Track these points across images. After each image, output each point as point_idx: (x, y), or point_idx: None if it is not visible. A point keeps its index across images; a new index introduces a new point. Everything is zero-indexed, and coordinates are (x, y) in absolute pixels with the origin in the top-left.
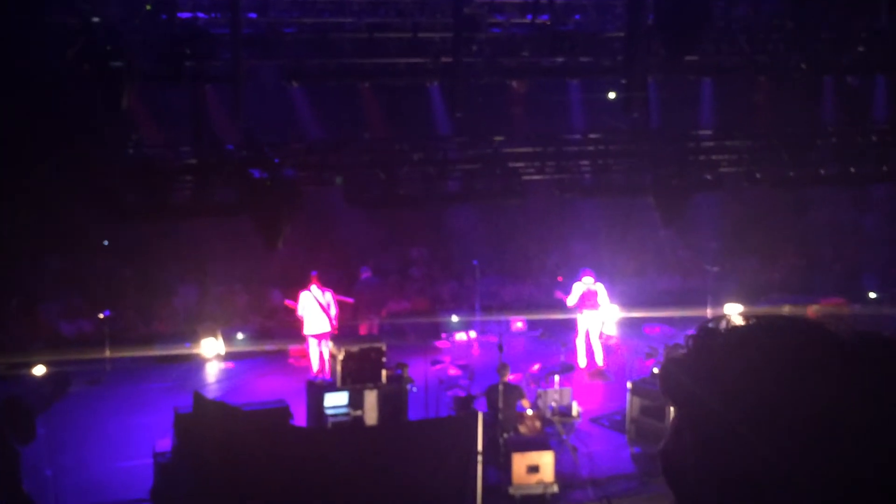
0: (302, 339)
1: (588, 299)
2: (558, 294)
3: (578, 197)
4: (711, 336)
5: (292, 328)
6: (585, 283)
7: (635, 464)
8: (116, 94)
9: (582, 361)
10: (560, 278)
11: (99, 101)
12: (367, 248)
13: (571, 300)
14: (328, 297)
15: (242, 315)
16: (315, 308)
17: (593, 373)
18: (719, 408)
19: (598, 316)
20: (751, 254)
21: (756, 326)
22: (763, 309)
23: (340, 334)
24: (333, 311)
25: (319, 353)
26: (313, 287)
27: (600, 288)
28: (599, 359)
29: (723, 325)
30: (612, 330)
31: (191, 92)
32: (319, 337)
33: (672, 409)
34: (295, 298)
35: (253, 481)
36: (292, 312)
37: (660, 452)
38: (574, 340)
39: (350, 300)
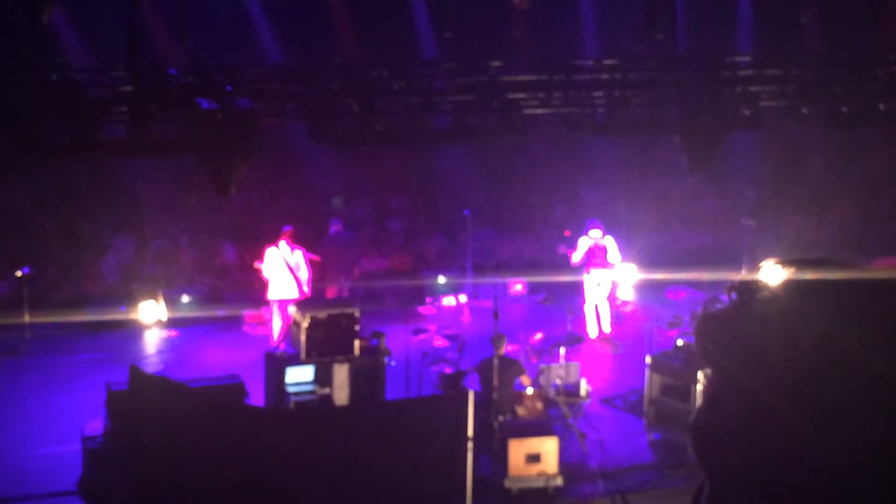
0: (261, 302)
1: (595, 256)
2: (563, 250)
3: (590, 136)
4: (763, 289)
5: (248, 289)
6: (592, 238)
7: (654, 453)
8: (36, 8)
9: (592, 331)
10: (567, 233)
11: (15, 15)
12: (336, 194)
13: (577, 257)
14: (298, 257)
15: (188, 274)
16: (282, 269)
17: (601, 341)
18: (772, 372)
19: (607, 276)
20: (794, 206)
21: (832, 283)
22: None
23: (305, 298)
24: (304, 273)
25: (282, 322)
26: (282, 244)
27: (610, 243)
28: (607, 325)
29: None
30: (629, 294)
31: (126, 6)
32: (285, 303)
33: (702, 376)
34: (258, 256)
35: (200, 471)
36: (249, 272)
37: (691, 425)
38: (582, 306)
39: (316, 258)
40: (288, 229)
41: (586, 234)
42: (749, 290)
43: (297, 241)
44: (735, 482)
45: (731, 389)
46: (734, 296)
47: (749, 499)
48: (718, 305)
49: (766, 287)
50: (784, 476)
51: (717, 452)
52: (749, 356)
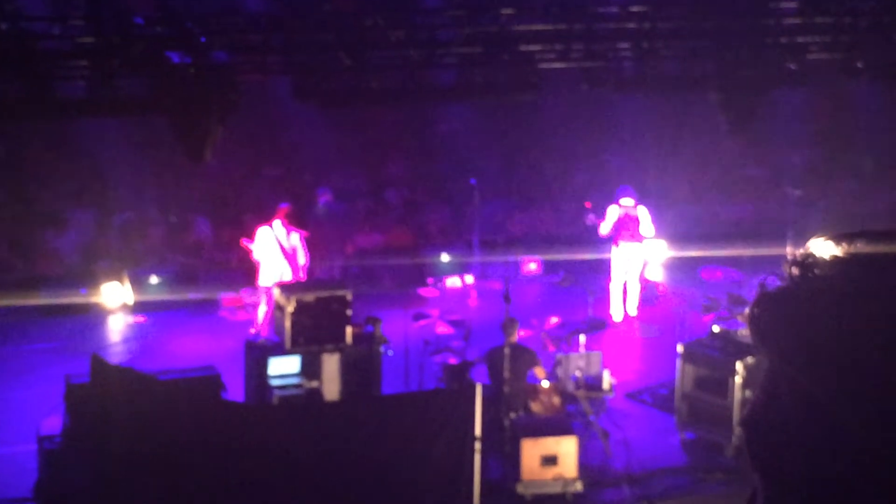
0: (241, 284)
1: (626, 228)
2: (592, 220)
3: (615, 93)
4: (826, 264)
5: (226, 269)
6: (624, 207)
7: (686, 454)
8: None
9: (617, 314)
10: (588, 204)
11: None
12: (326, 161)
13: (605, 228)
14: (295, 240)
15: (157, 251)
16: (275, 252)
17: (627, 326)
18: (847, 360)
19: (639, 252)
20: (847, 173)
21: None
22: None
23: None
24: (302, 258)
25: (269, 310)
26: (276, 223)
27: (643, 213)
28: (634, 308)
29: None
30: (658, 274)
31: None
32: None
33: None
34: (237, 231)
35: (171, 474)
36: (228, 249)
37: (744, 420)
38: (607, 286)
39: (304, 233)
40: (285, 207)
41: (616, 202)
42: (813, 264)
43: (295, 221)
44: (794, 490)
45: (789, 381)
46: (795, 270)
47: None
48: (777, 283)
49: (829, 262)
50: (847, 487)
51: (773, 454)
52: (806, 343)
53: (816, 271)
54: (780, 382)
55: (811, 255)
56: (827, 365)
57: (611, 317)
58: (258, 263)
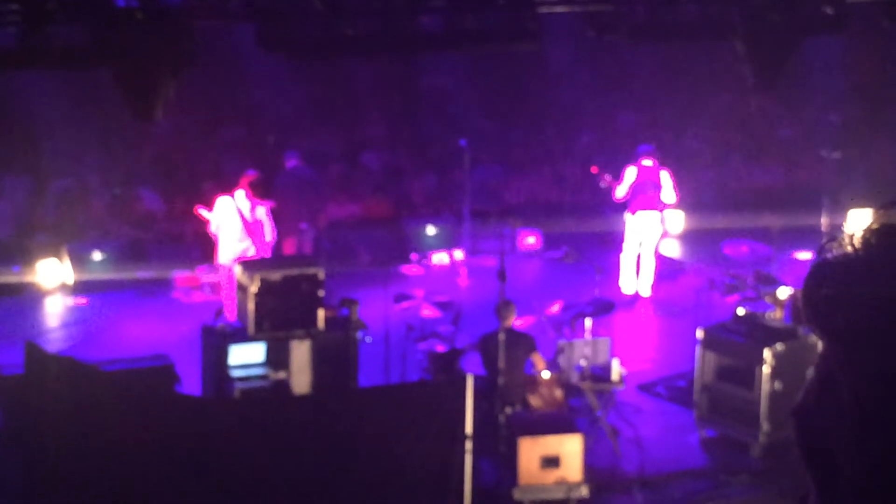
0: (196, 261)
1: (644, 192)
2: (608, 181)
3: (626, 42)
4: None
5: (179, 244)
6: (644, 167)
7: (707, 455)
8: None
9: (627, 286)
10: (595, 169)
11: None
12: (294, 121)
13: (621, 191)
14: (261, 213)
15: (100, 224)
16: (236, 226)
17: (639, 304)
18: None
19: (657, 221)
20: (891, 133)
21: None
22: None
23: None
24: (269, 234)
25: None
26: (239, 194)
27: (665, 177)
28: (647, 287)
29: None
30: (675, 248)
31: None
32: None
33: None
34: (191, 201)
35: (117, 476)
36: (181, 220)
37: (795, 410)
38: (616, 261)
39: (271, 203)
40: (250, 175)
41: (637, 163)
42: (871, 236)
43: (261, 191)
44: (849, 487)
45: (855, 367)
46: (854, 242)
47: None
48: (835, 251)
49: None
50: None
51: (826, 446)
52: (868, 321)
53: (874, 242)
54: (836, 367)
55: (869, 226)
56: (890, 346)
57: (620, 291)
58: (216, 238)
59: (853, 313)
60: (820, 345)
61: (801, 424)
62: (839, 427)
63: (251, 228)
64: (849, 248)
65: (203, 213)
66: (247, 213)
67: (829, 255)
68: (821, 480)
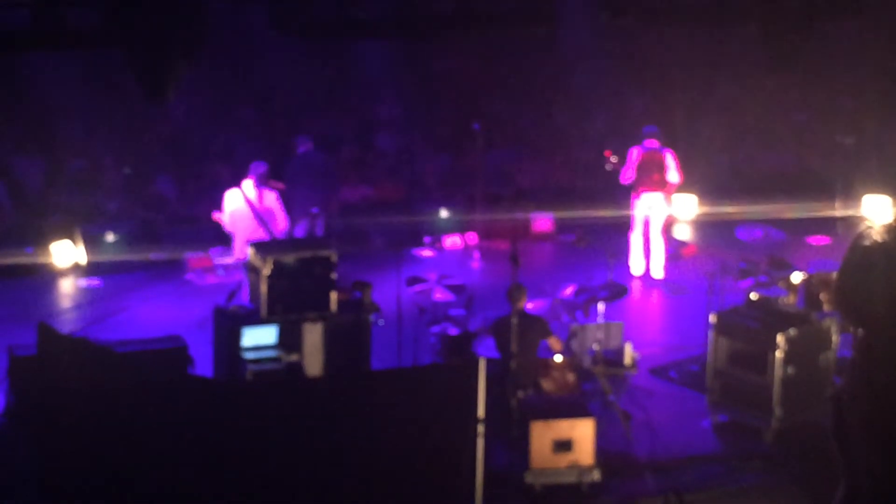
0: (210, 242)
1: (649, 173)
2: (612, 163)
3: (638, 24)
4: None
5: (193, 225)
6: (647, 149)
7: (719, 440)
8: None
9: (636, 268)
10: (608, 153)
11: None
12: (306, 103)
13: (627, 173)
14: (271, 200)
15: (113, 204)
16: (246, 217)
17: (651, 285)
18: None
19: (662, 202)
20: None
21: None
22: None
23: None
24: (281, 221)
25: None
26: (247, 185)
27: (669, 158)
28: (659, 268)
29: None
30: (687, 233)
31: None
32: None
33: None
34: (203, 183)
35: (129, 459)
36: (192, 203)
37: (832, 396)
38: (628, 238)
39: (281, 185)
40: (259, 167)
41: (643, 146)
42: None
43: (267, 181)
44: (867, 473)
45: (866, 350)
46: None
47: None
48: (867, 241)
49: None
50: None
51: (859, 434)
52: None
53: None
54: (856, 352)
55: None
56: None
57: (629, 271)
58: (233, 234)
59: (875, 301)
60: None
61: (836, 412)
62: (876, 415)
63: (263, 216)
64: (878, 238)
65: (218, 216)
66: (256, 202)
67: (862, 244)
68: (848, 466)
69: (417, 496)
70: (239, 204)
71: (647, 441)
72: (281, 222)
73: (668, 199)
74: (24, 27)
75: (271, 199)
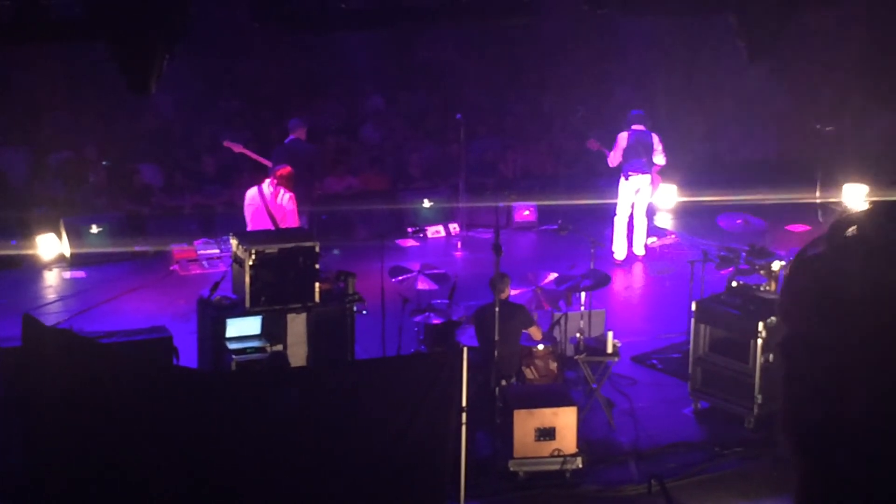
0: (194, 234)
1: (637, 156)
2: (595, 144)
3: (620, 15)
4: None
5: (177, 217)
6: (635, 133)
7: (701, 426)
8: None
9: (619, 251)
10: (591, 142)
11: None
12: (291, 94)
13: (615, 157)
14: (286, 200)
15: (98, 196)
16: (262, 216)
17: (632, 264)
18: (853, 320)
19: (649, 184)
20: (885, 107)
21: None
22: None
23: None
24: (293, 222)
25: None
26: (266, 186)
27: (655, 140)
28: (640, 245)
29: None
30: (668, 221)
31: None
32: None
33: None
34: (188, 173)
35: (115, 450)
36: (178, 194)
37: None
38: (611, 233)
39: (267, 162)
40: (281, 169)
41: (629, 129)
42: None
43: (290, 183)
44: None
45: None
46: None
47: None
48: (813, 250)
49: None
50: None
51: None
52: (837, 304)
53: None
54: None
55: (844, 210)
56: (853, 320)
57: (613, 255)
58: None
59: (817, 300)
60: None
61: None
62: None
63: (275, 215)
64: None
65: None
66: (274, 204)
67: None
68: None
69: (402, 484)
70: (254, 202)
71: (629, 428)
72: (292, 222)
73: (654, 181)
74: (6, 20)
75: (286, 199)
